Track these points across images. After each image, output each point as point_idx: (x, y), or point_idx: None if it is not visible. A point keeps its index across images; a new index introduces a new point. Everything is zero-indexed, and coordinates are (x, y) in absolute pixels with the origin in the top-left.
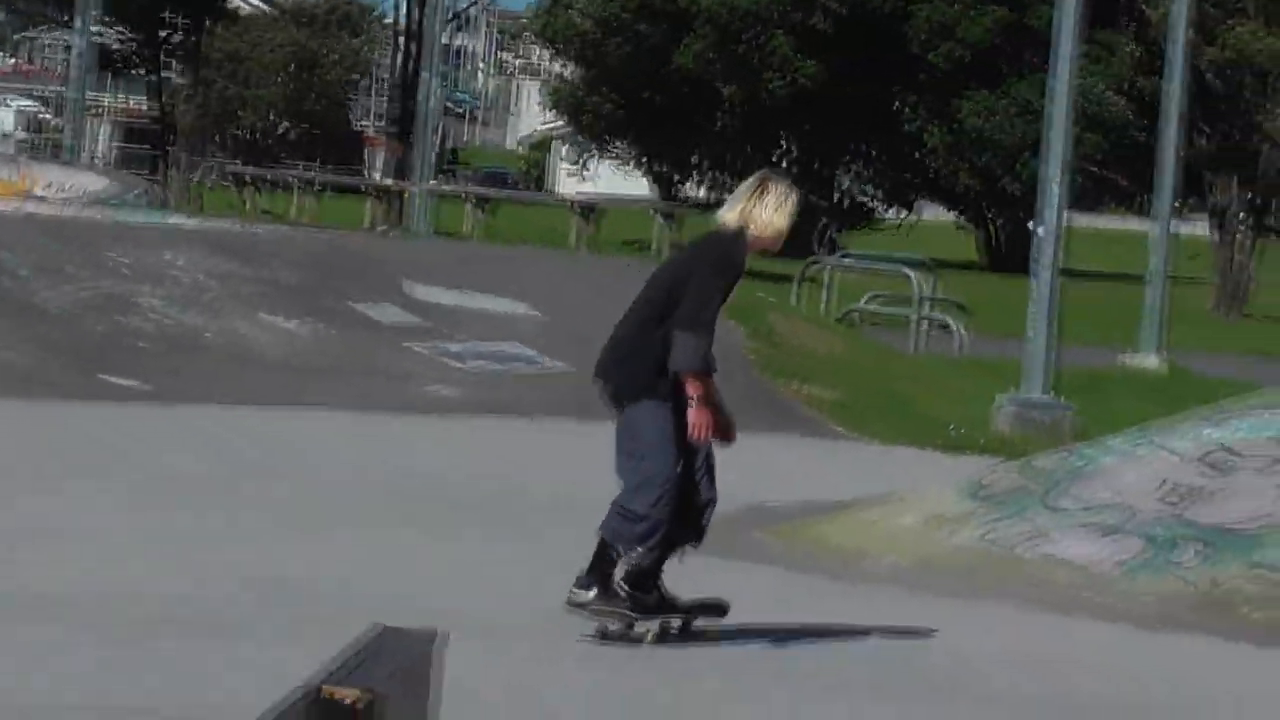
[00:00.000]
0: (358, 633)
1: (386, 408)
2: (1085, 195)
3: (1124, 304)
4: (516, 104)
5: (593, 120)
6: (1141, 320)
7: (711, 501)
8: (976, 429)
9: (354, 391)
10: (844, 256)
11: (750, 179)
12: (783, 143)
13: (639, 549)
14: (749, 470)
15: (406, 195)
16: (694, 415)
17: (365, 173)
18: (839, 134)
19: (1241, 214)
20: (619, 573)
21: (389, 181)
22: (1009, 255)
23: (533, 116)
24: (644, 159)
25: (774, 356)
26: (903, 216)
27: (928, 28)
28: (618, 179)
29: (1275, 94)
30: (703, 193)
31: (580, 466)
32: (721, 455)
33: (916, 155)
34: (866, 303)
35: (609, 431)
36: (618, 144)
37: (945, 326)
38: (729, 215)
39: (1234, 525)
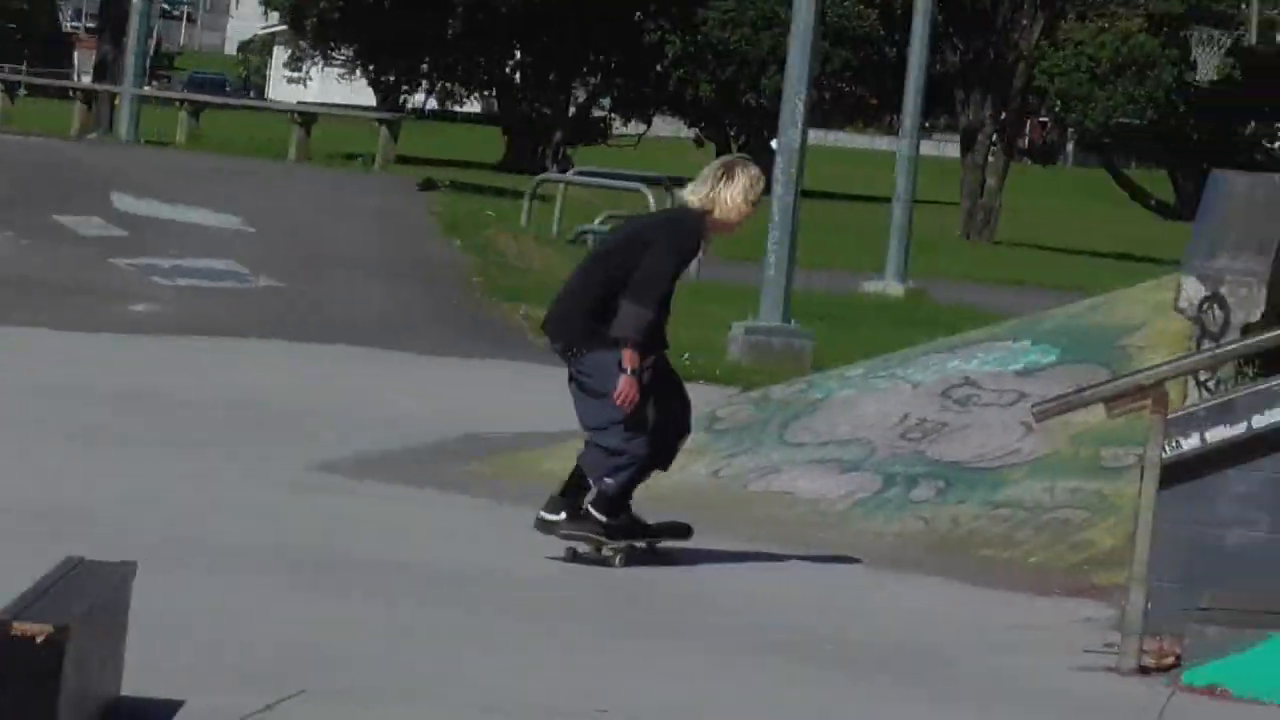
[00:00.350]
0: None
1: (88, 326)
2: (832, 113)
3: (868, 227)
4: (237, 5)
5: (314, 24)
6: (886, 245)
7: (685, 430)
8: (711, 358)
9: (54, 309)
10: (577, 173)
11: (716, 162)
12: (516, 52)
13: (612, 480)
14: (468, 397)
15: (115, 100)
16: (624, 383)
17: (74, 76)
18: (575, 44)
19: (992, 135)
20: (590, 497)
21: (96, 85)
22: None
23: (252, 19)
24: (369, 66)
25: (500, 278)
26: (641, 131)
27: None
28: (341, 87)
29: (1029, 9)
30: (430, 103)
31: (296, 387)
32: (439, 383)
33: (657, 67)
34: (601, 223)
35: (323, 353)
36: (341, 50)
37: None
38: (694, 196)
39: (976, 462)
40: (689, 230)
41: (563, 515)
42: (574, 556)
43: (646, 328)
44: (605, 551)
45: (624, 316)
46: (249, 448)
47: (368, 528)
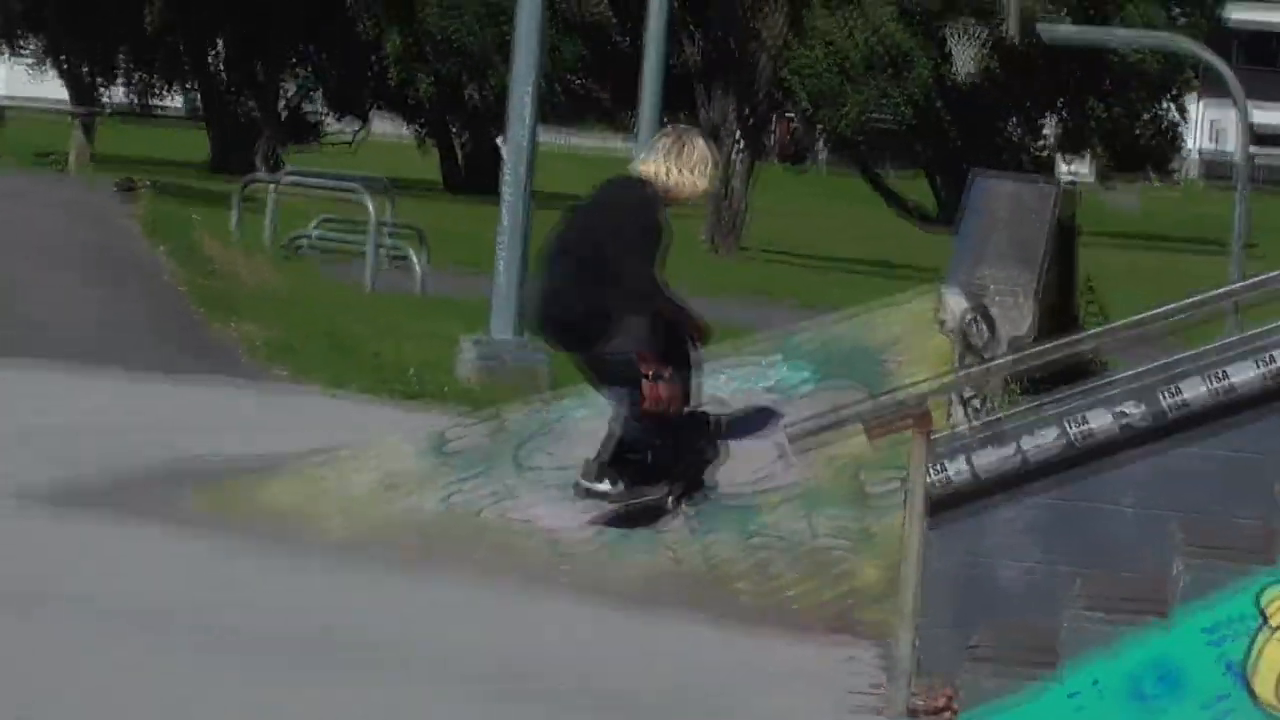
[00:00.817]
0: None
1: None
2: (564, 110)
3: None
4: None
5: None
6: None
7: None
8: (439, 376)
9: None
10: (289, 175)
11: (666, 132)
12: (218, 42)
13: (657, 441)
14: (175, 420)
15: None
16: (649, 389)
17: None
18: (282, 35)
19: (737, 135)
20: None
21: None
22: (473, 176)
23: None
24: (60, 59)
25: (207, 289)
26: (356, 131)
27: None
28: (30, 82)
29: None
30: (127, 98)
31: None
32: (139, 404)
33: (372, 60)
34: (315, 229)
35: (8, 367)
36: (29, 40)
37: (404, 258)
38: (647, 168)
39: (728, 491)
40: (651, 214)
41: (619, 487)
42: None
43: (649, 330)
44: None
45: (626, 330)
46: None
47: (68, 563)
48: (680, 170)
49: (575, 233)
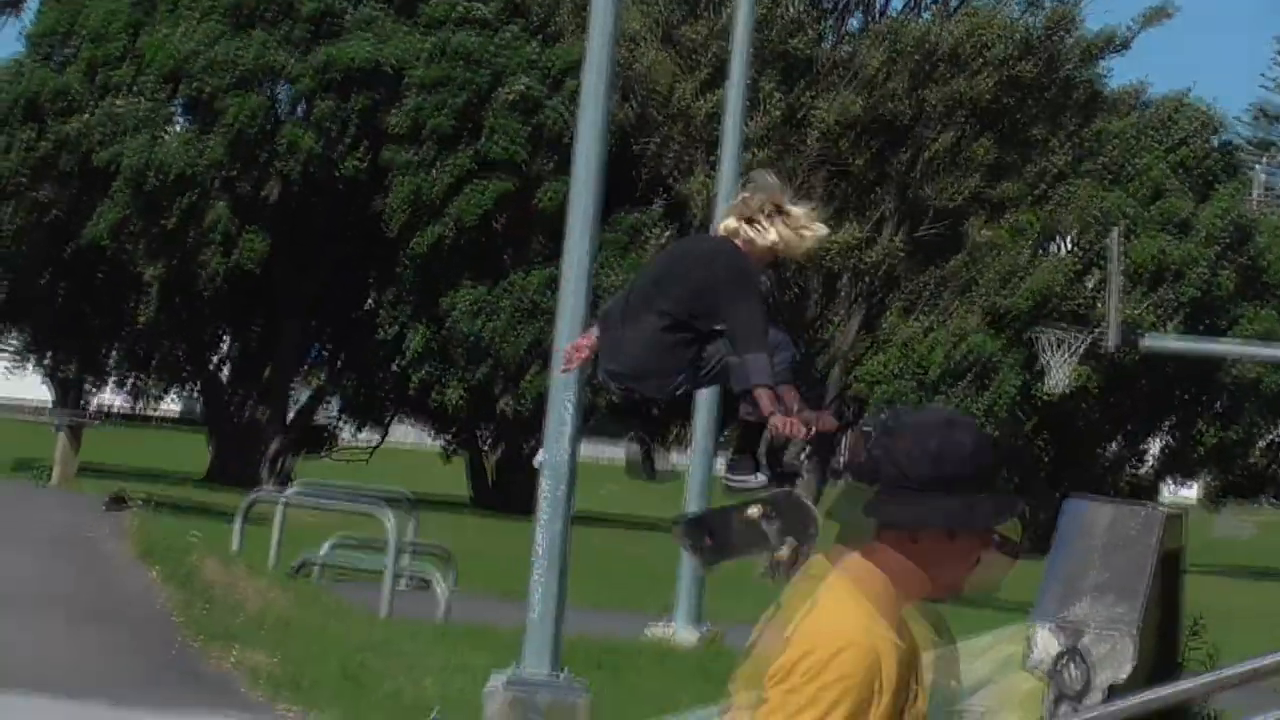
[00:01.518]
0: None
1: None
2: (607, 422)
3: (655, 559)
4: None
5: None
6: (677, 581)
7: None
8: (465, 715)
9: None
10: (299, 490)
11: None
12: (222, 341)
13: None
14: None
15: None
16: (778, 421)
17: None
18: (295, 334)
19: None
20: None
21: None
22: (505, 490)
23: None
24: (42, 357)
25: (205, 617)
26: (374, 446)
27: (410, 203)
28: (9, 382)
29: (843, 300)
30: (118, 401)
31: None
32: None
33: (394, 364)
34: (329, 551)
35: None
36: (9, 336)
37: (426, 582)
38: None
39: None
40: (743, 262)
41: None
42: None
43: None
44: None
45: (750, 368)
46: None
47: None
48: (778, 226)
49: (661, 293)
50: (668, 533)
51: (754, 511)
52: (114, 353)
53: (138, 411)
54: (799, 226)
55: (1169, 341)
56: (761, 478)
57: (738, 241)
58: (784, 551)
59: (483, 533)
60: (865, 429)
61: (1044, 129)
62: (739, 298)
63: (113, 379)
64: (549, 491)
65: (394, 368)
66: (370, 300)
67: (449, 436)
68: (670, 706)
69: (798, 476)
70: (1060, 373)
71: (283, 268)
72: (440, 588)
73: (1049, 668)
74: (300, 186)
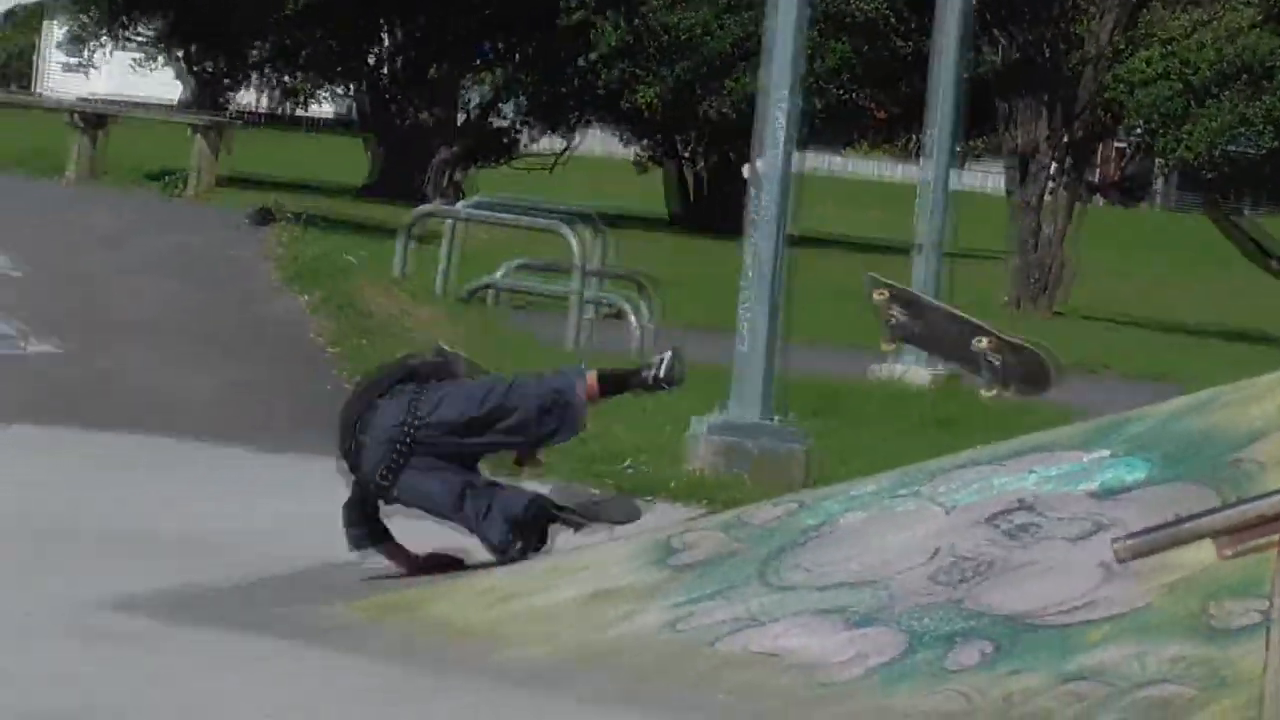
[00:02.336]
0: None
1: None
2: (828, 129)
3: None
4: None
5: None
6: None
7: None
8: (664, 464)
9: None
10: (473, 205)
11: None
12: (384, 35)
13: None
14: (322, 512)
15: None
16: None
17: None
18: (468, 26)
19: (1051, 165)
20: None
21: None
22: (709, 207)
23: None
24: (178, 52)
25: (362, 349)
26: (561, 148)
27: None
28: (141, 79)
29: None
30: (262, 101)
31: (79, 494)
32: (279, 491)
33: (581, 60)
34: (506, 274)
35: (118, 447)
36: (140, 28)
37: (618, 312)
38: None
39: (1037, 617)
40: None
41: None
42: None
43: None
44: None
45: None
46: (11, 582)
47: (183, 695)
48: None
49: None
50: (899, 255)
51: (984, 344)
52: (259, 46)
53: (285, 113)
54: None
55: None
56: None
57: None
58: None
59: (683, 255)
60: None
61: None
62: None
63: (257, 76)
64: (759, 207)
65: (580, 64)
66: None
67: (644, 145)
68: (899, 456)
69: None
70: None
71: None
72: (634, 318)
73: None
74: None
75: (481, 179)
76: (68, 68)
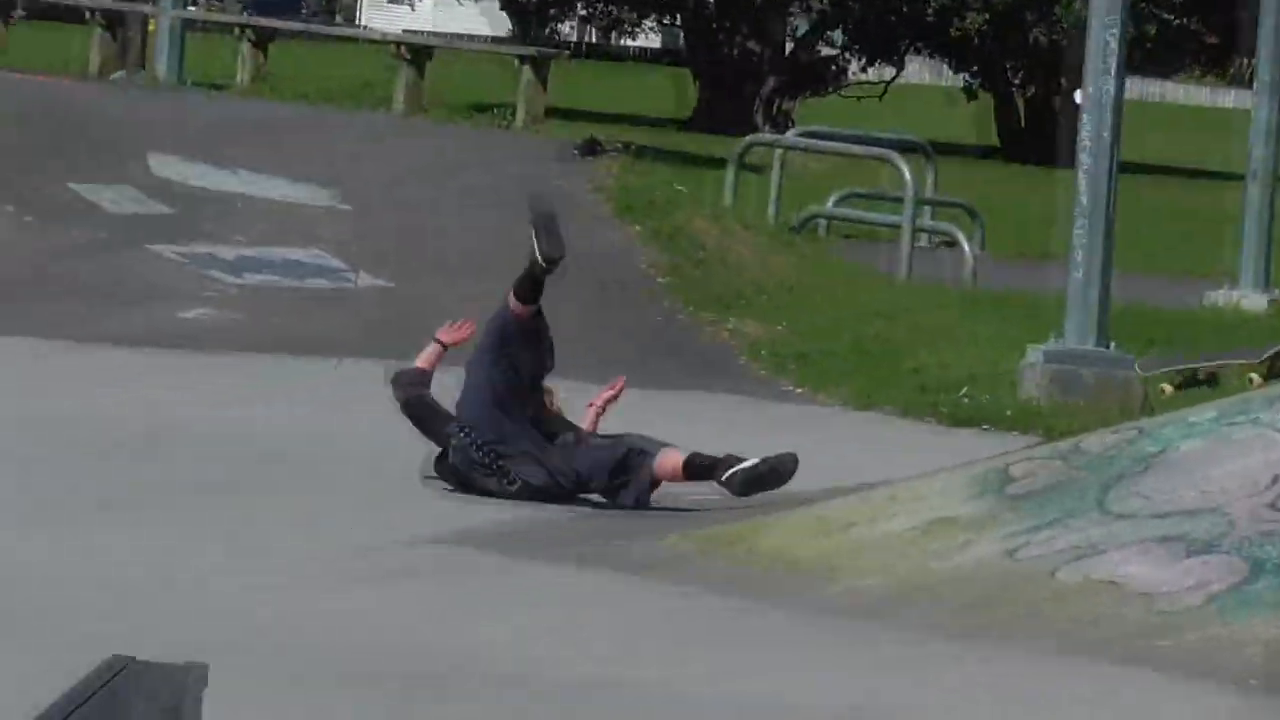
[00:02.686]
0: (84, 666)
1: (115, 338)
2: (1157, 55)
3: (1213, 216)
4: None
5: None
6: (1242, 241)
7: None
8: (999, 394)
9: (68, 313)
10: (800, 134)
11: None
12: None
13: None
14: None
15: (150, 27)
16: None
17: None
18: None
19: None
20: None
21: (121, 4)
22: (1038, 136)
23: None
24: None
25: (696, 280)
26: (888, 78)
27: None
28: (463, 11)
29: None
30: (585, 34)
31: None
32: (612, 424)
33: None
34: (835, 204)
35: (449, 379)
36: None
37: (950, 242)
38: None
39: None
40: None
41: None
42: None
43: None
44: None
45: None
46: (348, 511)
47: (522, 624)
48: None
49: None
50: (1231, 182)
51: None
52: None
53: (608, 45)
54: None
55: None
56: None
57: None
58: None
59: (1012, 185)
60: None
61: None
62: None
63: (580, 8)
64: (1091, 134)
65: None
66: None
67: (971, 73)
68: (1240, 386)
69: None
70: None
71: None
72: (968, 246)
73: None
74: None
75: (809, 109)
76: (391, 0)
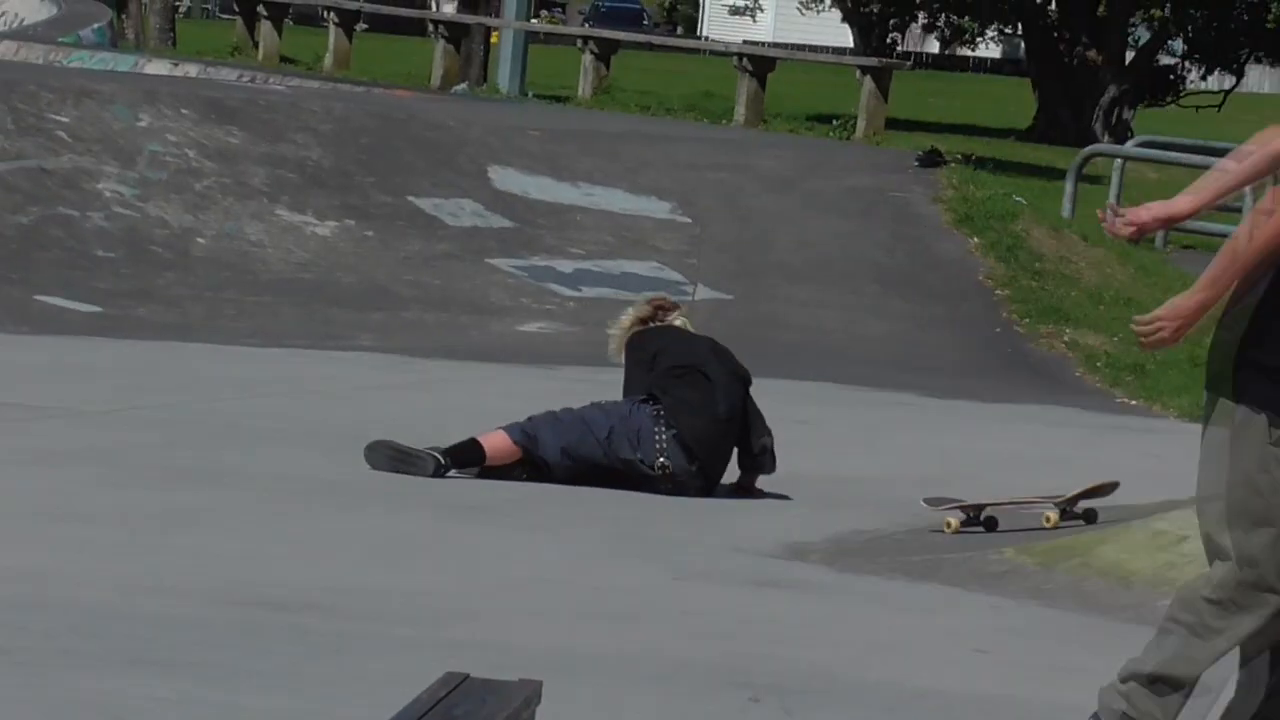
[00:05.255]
0: (423, 682)
1: (454, 351)
2: None
3: None
4: None
5: None
6: None
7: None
8: None
9: (407, 325)
10: (1142, 144)
11: None
12: None
13: None
14: (991, 456)
15: (493, 39)
16: None
17: (433, 5)
18: None
19: None
20: None
21: (465, 16)
22: None
23: None
24: None
25: (1033, 292)
26: (1225, 85)
27: None
28: (805, 21)
29: None
30: (930, 45)
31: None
32: (950, 436)
33: None
34: None
35: (789, 394)
36: None
37: None
38: None
39: None
40: None
41: None
42: None
43: None
44: None
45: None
46: (684, 528)
47: (857, 640)
48: None
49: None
50: None
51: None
52: None
53: (950, 55)
54: None
55: None
56: None
57: None
58: None
59: None
60: None
61: None
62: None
63: (923, 17)
64: None
65: None
66: None
67: None
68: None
69: None
70: None
71: None
72: None
73: None
74: None
75: (1148, 118)
76: (732, 11)
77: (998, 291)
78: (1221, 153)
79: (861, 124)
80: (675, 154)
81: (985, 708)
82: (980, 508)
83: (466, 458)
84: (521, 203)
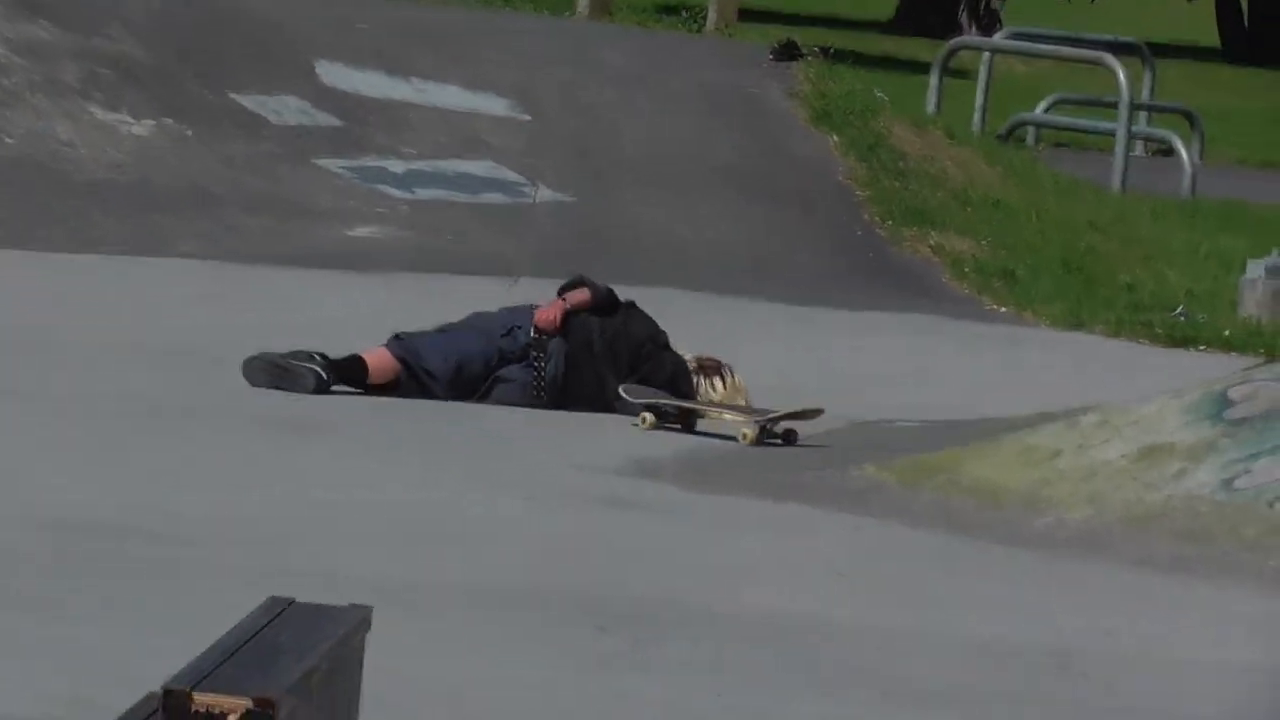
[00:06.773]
0: (247, 609)
1: (280, 257)
2: None
3: None
4: None
5: None
6: None
7: None
8: (1216, 312)
9: (231, 231)
10: (1011, 36)
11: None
12: None
13: None
14: (853, 366)
15: None
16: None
17: None
18: None
19: None
20: None
21: None
22: (1263, 38)
23: None
24: None
25: (895, 192)
26: None
27: None
28: None
29: None
30: None
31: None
32: (811, 343)
33: None
34: (1045, 110)
35: (640, 297)
36: None
37: (1167, 150)
38: None
39: None
40: None
41: None
42: None
43: None
44: None
45: None
46: (521, 443)
47: (709, 564)
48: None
49: None
50: None
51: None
52: None
53: None
54: None
55: None
56: None
57: None
58: None
59: (1234, 89)
60: None
61: None
62: None
63: None
64: None
65: None
66: None
67: None
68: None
69: None
70: None
71: None
72: (1186, 155)
73: None
74: None
75: (1017, 9)
76: None
77: (858, 192)
78: (1093, 45)
79: (712, 15)
80: (514, 47)
81: (845, 636)
82: (683, 410)
83: (350, 374)
84: (350, 100)
